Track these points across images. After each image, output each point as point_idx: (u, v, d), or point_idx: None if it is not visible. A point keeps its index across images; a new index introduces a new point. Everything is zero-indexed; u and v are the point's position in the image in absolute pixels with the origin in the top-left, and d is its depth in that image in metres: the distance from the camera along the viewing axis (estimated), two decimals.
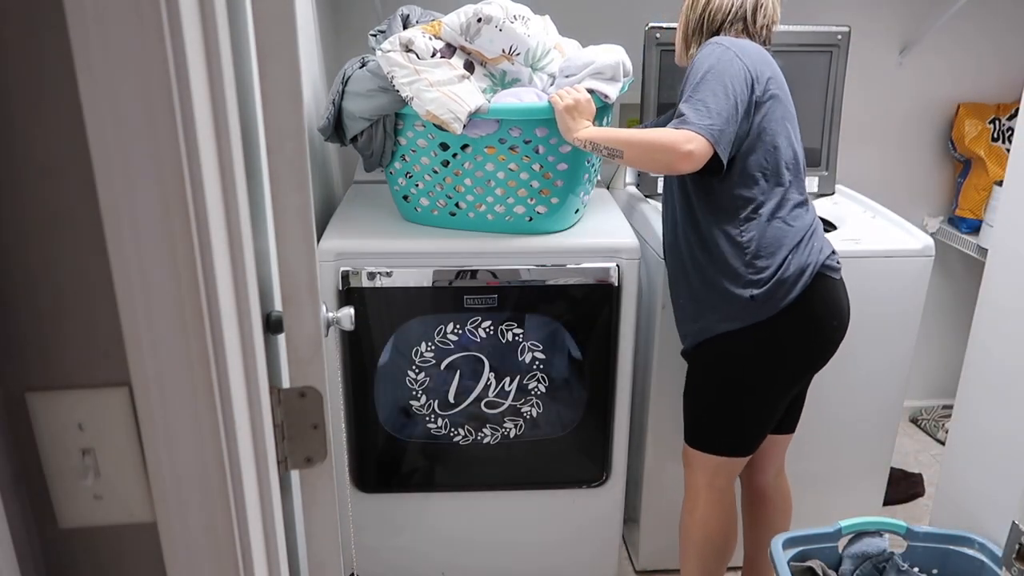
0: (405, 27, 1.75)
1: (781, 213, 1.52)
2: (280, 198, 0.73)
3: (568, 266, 1.71)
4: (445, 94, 1.57)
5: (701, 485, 1.66)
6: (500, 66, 1.70)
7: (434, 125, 1.61)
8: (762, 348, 1.55)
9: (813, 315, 1.54)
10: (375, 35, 1.76)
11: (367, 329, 1.72)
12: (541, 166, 1.68)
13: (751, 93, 1.47)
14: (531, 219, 1.74)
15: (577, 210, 1.81)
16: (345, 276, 1.67)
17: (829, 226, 2.03)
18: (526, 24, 1.67)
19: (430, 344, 1.73)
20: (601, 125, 1.74)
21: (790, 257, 1.50)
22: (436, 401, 1.78)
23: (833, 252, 1.58)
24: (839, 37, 2.06)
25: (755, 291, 1.50)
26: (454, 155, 1.68)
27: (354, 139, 1.71)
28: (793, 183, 1.55)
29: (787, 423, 1.72)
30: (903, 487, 2.40)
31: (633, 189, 2.17)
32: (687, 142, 1.40)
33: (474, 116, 1.59)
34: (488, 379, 1.77)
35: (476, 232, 1.75)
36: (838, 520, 1.62)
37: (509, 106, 1.63)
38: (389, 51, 1.60)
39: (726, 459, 1.63)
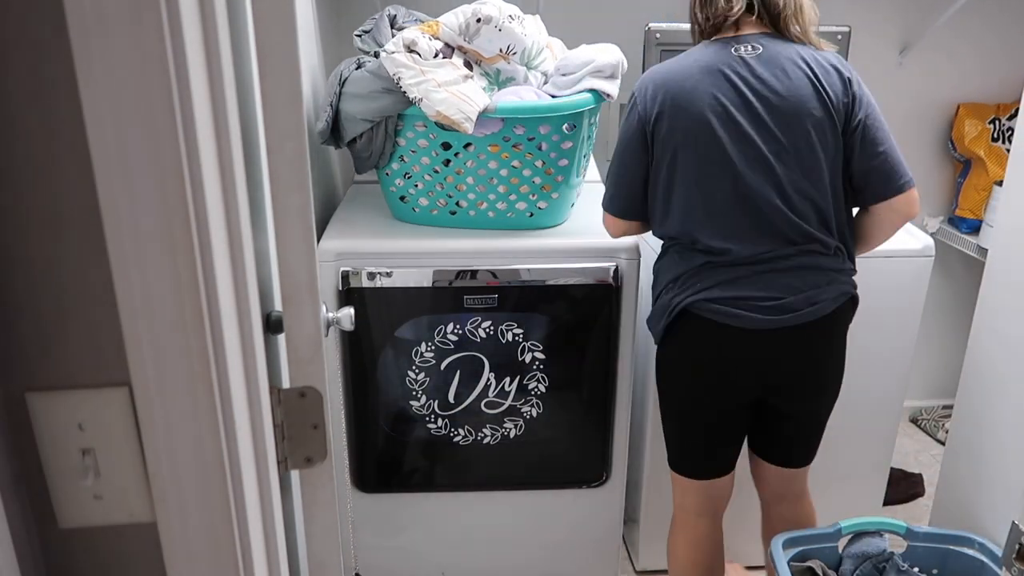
0: (392, 27, 1.75)
1: (680, 249, 1.51)
2: (280, 198, 0.73)
3: (568, 266, 1.71)
4: (454, 94, 1.58)
5: (675, 504, 1.69)
6: (495, 65, 1.71)
7: (437, 125, 1.61)
8: (659, 369, 1.60)
9: (680, 353, 1.54)
10: (360, 35, 1.76)
11: (367, 329, 1.72)
12: (543, 162, 1.68)
13: (651, 140, 1.46)
14: (532, 215, 1.75)
15: (572, 204, 1.83)
16: (345, 276, 1.67)
17: None
18: (522, 24, 1.68)
19: (430, 344, 1.73)
20: (596, 125, 1.77)
21: (663, 293, 1.52)
22: (436, 401, 1.78)
23: (743, 299, 1.44)
24: (839, 37, 2.06)
25: (648, 315, 1.58)
26: (456, 154, 1.68)
27: (352, 141, 1.71)
28: (717, 226, 1.44)
29: (774, 454, 1.65)
30: (903, 487, 2.40)
31: None
32: (605, 223, 1.59)
33: (481, 115, 1.60)
34: (488, 379, 1.77)
35: (476, 232, 1.75)
36: (838, 520, 1.62)
37: (516, 105, 1.63)
38: (393, 52, 1.60)
39: (683, 479, 1.64)
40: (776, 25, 1.44)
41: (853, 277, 1.52)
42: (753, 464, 1.70)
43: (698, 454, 1.62)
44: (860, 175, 1.46)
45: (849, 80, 1.43)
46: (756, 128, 1.40)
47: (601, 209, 1.58)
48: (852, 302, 1.52)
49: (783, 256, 1.44)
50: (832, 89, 1.41)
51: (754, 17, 1.44)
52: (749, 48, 1.42)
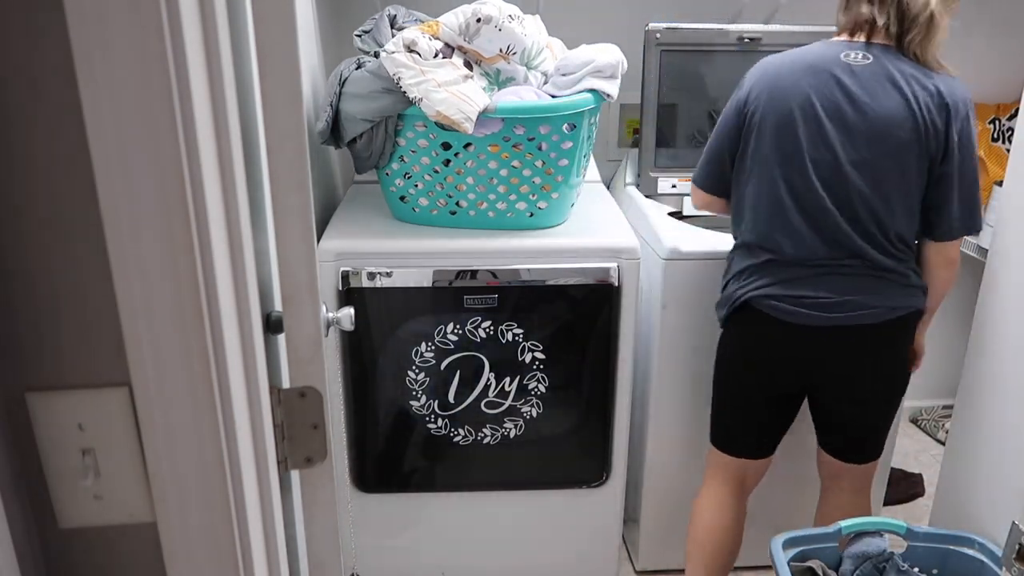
0: (392, 27, 1.75)
1: (743, 245, 1.59)
2: (280, 198, 0.73)
3: (568, 266, 1.71)
4: (454, 94, 1.58)
5: (706, 474, 1.75)
6: (495, 65, 1.71)
7: (437, 125, 1.61)
8: (719, 351, 1.69)
9: (735, 340, 1.64)
10: (360, 35, 1.76)
11: (367, 329, 1.72)
12: (543, 162, 1.68)
13: (742, 125, 1.52)
14: (532, 215, 1.75)
15: (572, 204, 1.83)
16: (345, 276, 1.67)
17: None
18: (522, 24, 1.68)
19: (430, 344, 1.73)
20: (596, 125, 1.77)
21: (730, 282, 1.61)
22: (436, 401, 1.78)
23: (801, 297, 1.49)
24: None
25: (718, 300, 1.66)
26: (456, 154, 1.68)
27: (352, 141, 1.71)
28: (782, 221, 1.49)
29: (829, 445, 1.69)
30: (903, 487, 2.40)
31: (633, 189, 2.17)
32: (691, 192, 1.70)
33: (481, 115, 1.60)
34: (488, 379, 1.77)
35: (476, 232, 1.75)
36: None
37: (516, 105, 1.63)
38: (393, 52, 1.60)
39: (714, 451, 1.72)
40: (899, 40, 1.44)
41: (922, 293, 1.53)
42: (818, 447, 1.73)
43: (745, 439, 1.69)
44: (926, 205, 1.49)
45: (950, 109, 1.41)
46: (840, 135, 1.43)
47: (692, 189, 1.71)
48: (915, 315, 1.53)
49: (840, 263, 1.48)
50: (928, 115, 1.41)
51: (881, 26, 1.44)
52: (860, 56, 1.44)
